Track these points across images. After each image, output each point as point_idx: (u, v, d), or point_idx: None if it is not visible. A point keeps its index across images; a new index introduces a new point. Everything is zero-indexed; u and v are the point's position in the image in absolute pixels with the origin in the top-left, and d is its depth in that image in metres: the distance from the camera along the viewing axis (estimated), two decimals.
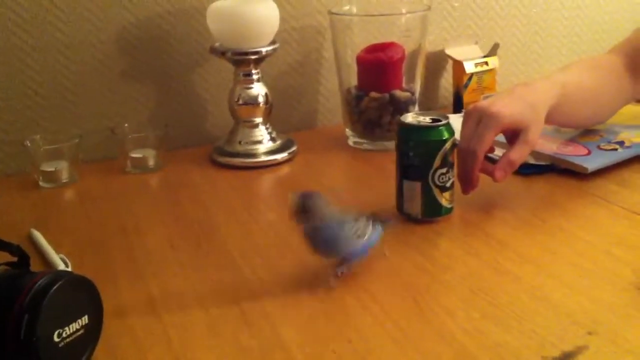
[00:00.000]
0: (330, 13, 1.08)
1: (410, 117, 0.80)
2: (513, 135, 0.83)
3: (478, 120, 0.81)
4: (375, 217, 0.70)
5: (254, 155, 1.03)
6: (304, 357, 0.56)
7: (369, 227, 0.68)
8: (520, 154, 0.82)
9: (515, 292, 0.65)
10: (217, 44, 1.02)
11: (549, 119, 0.86)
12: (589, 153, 0.94)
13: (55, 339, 0.51)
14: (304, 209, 0.65)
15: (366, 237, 0.67)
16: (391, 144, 0.87)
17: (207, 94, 1.13)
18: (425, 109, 1.10)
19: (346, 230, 0.66)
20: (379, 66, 1.06)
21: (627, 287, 0.65)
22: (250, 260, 0.73)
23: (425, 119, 0.79)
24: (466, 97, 1.19)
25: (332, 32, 1.10)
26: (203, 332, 0.60)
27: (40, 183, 0.95)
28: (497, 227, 0.79)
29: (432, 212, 0.79)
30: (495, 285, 0.66)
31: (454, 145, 0.79)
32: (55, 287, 0.51)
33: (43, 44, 1.01)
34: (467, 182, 0.81)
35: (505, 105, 0.81)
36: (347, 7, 1.13)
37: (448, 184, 0.79)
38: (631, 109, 1.13)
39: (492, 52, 1.23)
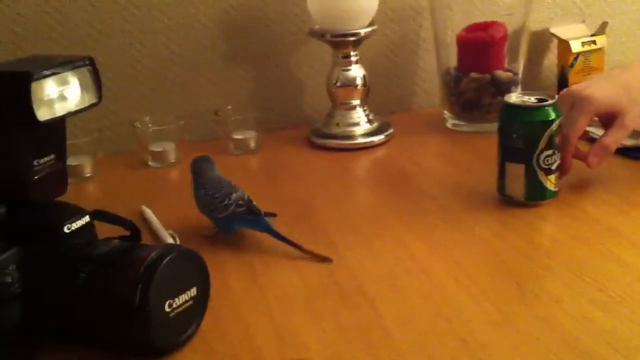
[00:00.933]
0: None
1: (514, 97, 0.78)
2: (608, 119, 0.80)
3: (571, 104, 0.78)
4: (252, 206, 0.74)
5: (350, 137, 1.03)
6: (403, 337, 0.56)
7: (232, 207, 0.73)
8: (615, 139, 0.79)
9: (625, 278, 0.62)
10: (316, 27, 1.03)
11: None
12: None
13: (166, 308, 0.54)
14: (193, 170, 0.77)
15: (223, 215, 0.73)
16: (490, 126, 0.85)
17: (305, 76, 1.14)
18: (528, 90, 1.06)
19: (210, 199, 0.74)
20: (480, 46, 1.04)
21: None
22: (347, 239, 0.74)
23: (531, 99, 0.77)
24: (572, 78, 1.14)
25: (431, 11, 1.08)
26: (303, 308, 0.62)
27: (150, 162, 1.00)
28: (605, 212, 0.76)
29: (536, 195, 0.77)
30: (604, 271, 0.64)
31: (560, 127, 0.76)
32: (167, 259, 0.53)
33: (149, 27, 1.05)
34: (560, 168, 0.78)
35: (599, 88, 0.79)
36: None
37: (554, 167, 0.76)
38: None
39: (600, 30, 1.17)
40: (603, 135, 0.80)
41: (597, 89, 0.79)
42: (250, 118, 1.04)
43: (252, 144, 1.02)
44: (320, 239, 0.74)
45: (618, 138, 0.79)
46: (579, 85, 0.80)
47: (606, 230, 0.72)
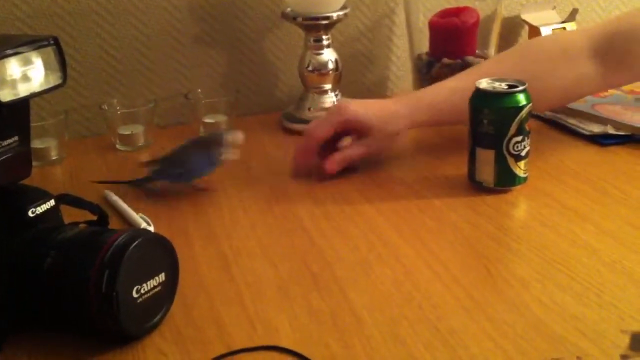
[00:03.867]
0: None
1: (485, 83, 0.78)
2: (361, 133, 0.84)
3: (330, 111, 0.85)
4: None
5: None
6: (374, 322, 0.56)
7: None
8: (354, 152, 0.84)
9: (593, 264, 0.63)
10: (288, 9, 1.02)
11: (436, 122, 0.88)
12: None
13: (134, 294, 0.53)
14: None
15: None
16: None
17: (278, 60, 1.13)
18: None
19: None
20: (452, 31, 1.03)
21: None
22: (319, 224, 0.73)
23: (501, 85, 0.77)
24: None
25: None
26: (274, 294, 0.61)
27: (117, 146, 0.98)
28: (574, 198, 0.76)
29: (506, 181, 0.77)
30: (572, 258, 0.64)
31: (530, 112, 0.76)
32: (134, 244, 0.52)
33: (118, 9, 1.03)
34: (297, 166, 0.85)
35: (362, 105, 0.85)
36: None
37: (523, 153, 0.76)
38: None
39: (571, 17, 1.18)
40: (348, 147, 0.85)
41: (359, 104, 0.84)
42: (221, 102, 1.02)
43: (223, 127, 1.01)
44: (293, 224, 0.74)
45: (357, 152, 0.84)
46: (352, 100, 0.87)
47: (575, 217, 0.72)
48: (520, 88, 0.75)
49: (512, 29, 1.22)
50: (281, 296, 0.61)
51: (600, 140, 0.90)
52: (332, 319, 0.57)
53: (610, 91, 1.04)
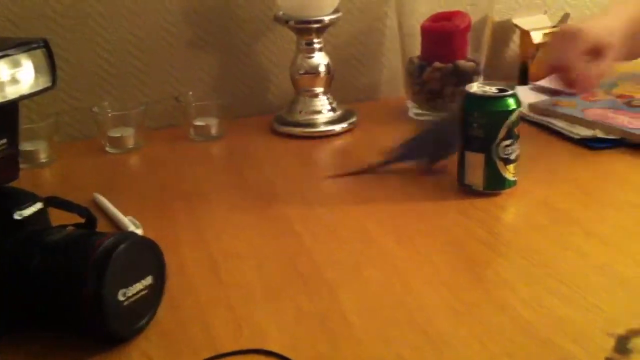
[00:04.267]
0: None
1: (475, 87, 0.78)
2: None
3: (566, 37, 0.87)
4: None
5: (313, 125, 1.03)
6: (363, 325, 0.56)
7: None
8: (606, 67, 0.89)
9: (581, 267, 0.63)
10: (280, 12, 1.02)
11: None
12: None
13: (120, 297, 0.53)
14: None
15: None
16: None
17: (270, 63, 1.13)
18: (490, 80, 1.07)
19: None
20: (443, 35, 1.04)
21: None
22: (309, 227, 0.73)
23: (491, 89, 0.77)
24: (533, 69, 1.15)
25: (396, 0, 1.08)
26: (263, 296, 0.61)
27: (107, 148, 0.98)
28: (563, 202, 0.77)
29: (495, 184, 0.78)
30: (560, 260, 0.64)
31: (520, 117, 0.76)
32: (120, 247, 0.52)
33: (111, 11, 1.03)
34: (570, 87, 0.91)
35: (596, 27, 0.88)
36: None
37: (512, 157, 0.77)
38: None
39: (562, 22, 1.18)
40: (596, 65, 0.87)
41: (589, 26, 0.87)
42: (212, 104, 1.02)
43: (214, 130, 1.01)
44: (283, 227, 0.74)
45: (603, 70, 0.89)
46: (572, 24, 0.92)
47: (564, 220, 0.73)
48: (510, 92, 0.76)
49: (504, 33, 1.22)
50: (269, 299, 0.61)
51: (590, 144, 0.90)
52: (320, 322, 0.57)
53: (600, 95, 1.04)
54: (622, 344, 0.51)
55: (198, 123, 1.01)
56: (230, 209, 0.79)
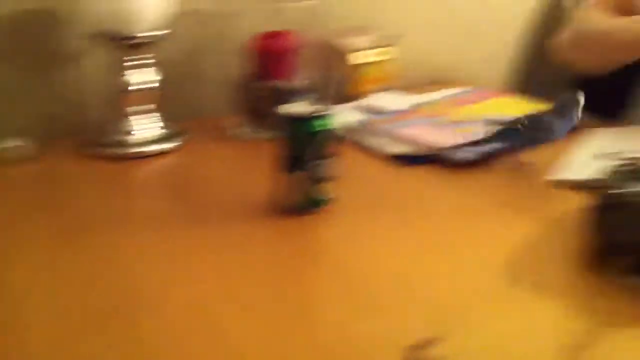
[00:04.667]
0: None
1: (291, 107, 0.80)
2: None
3: None
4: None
5: (138, 144, 1.00)
6: (165, 353, 0.55)
7: None
8: None
9: (389, 283, 0.66)
10: (100, 28, 0.98)
11: None
12: (464, 144, 0.97)
13: None
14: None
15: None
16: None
17: (91, 81, 1.09)
18: (317, 99, 1.11)
19: None
20: (270, 54, 1.06)
21: (493, 275, 0.67)
22: (127, 254, 0.71)
23: (307, 109, 0.79)
24: (359, 87, 1.20)
25: (224, 18, 1.08)
26: (78, 325, 0.58)
27: None
28: (376, 219, 0.80)
29: (309, 204, 0.79)
30: (370, 277, 0.67)
31: (335, 136, 0.79)
32: None
33: None
34: None
35: None
36: None
37: (326, 175, 0.79)
38: (510, 100, 1.19)
39: (390, 41, 1.23)
40: None
41: None
42: (25, 126, 0.96)
43: (27, 152, 0.95)
44: (99, 254, 0.71)
45: None
46: None
47: (377, 237, 0.76)
48: (323, 112, 0.78)
49: (331, 52, 1.25)
50: (84, 330, 0.58)
51: (403, 161, 0.96)
52: (120, 353, 0.55)
53: (417, 113, 1.11)
54: (415, 354, 0.54)
55: (7, 145, 0.94)
56: (40, 236, 0.74)
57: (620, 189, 0.65)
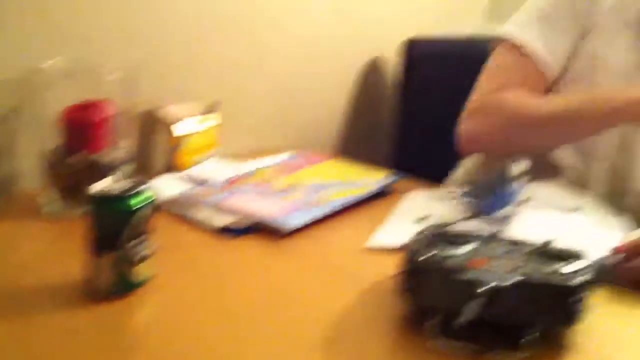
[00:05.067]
0: (33, 68, 1.01)
1: (101, 185, 0.76)
2: None
3: None
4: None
5: None
6: None
7: None
8: None
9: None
10: None
11: None
12: (291, 212, 0.98)
13: None
14: None
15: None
16: None
17: None
18: (138, 172, 1.07)
19: None
20: (83, 126, 1.00)
21: (311, 347, 0.67)
22: None
23: (119, 186, 0.75)
24: (181, 158, 1.18)
25: (34, 87, 1.02)
26: None
27: None
28: (198, 294, 0.77)
29: (125, 286, 0.75)
30: (191, 354, 0.64)
31: (152, 211, 0.76)
32: None
33: None
34: None
35: None
36: (51, 62, 1.06)
37: (144, 254, 0.76)
38: (336, 165, 1.22)
39: (212, 109, 1.23)
40: None
41: None
42: None
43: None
44: None
45: None
46: None
47: (198, 313, 0.73)
48: (139, 189, 0.75)
49: (151, 122, 1.23)
50: None
51: (229, 232, 0.94)
52: None
53: (243, 181, 1.11)
54: None
55: None
56: None
57: (426, 253, 0.68)
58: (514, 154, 0.96)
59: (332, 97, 1.54)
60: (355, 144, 1.60)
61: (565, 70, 1.08)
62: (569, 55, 1.08)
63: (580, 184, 1.10)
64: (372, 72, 1.60)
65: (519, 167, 0.90)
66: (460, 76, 1.16)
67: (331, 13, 1.48)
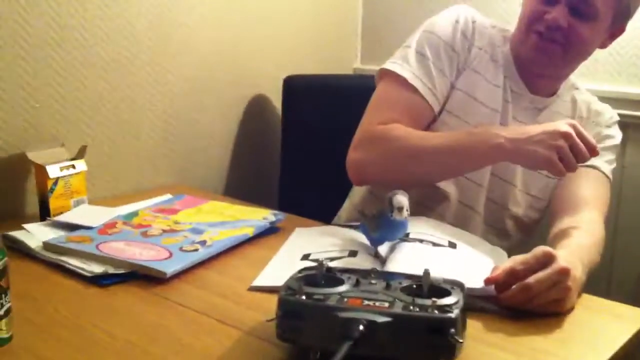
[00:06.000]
0: None
1: None
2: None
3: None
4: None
5: None
6: None
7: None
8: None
9: None
10: None
11: None
12: (170, 256, 0.95)
13: None
14: None
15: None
16: None
17: None
18: (6, 218, 1.00)
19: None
20: None
21: None
22: None
23: None
24: (53, 203, 1.12)
25: None
26: None
27: None
28: (60, 352, 0.72)
29: None
30: None
31: (5, 269, 0.71)
32: None
33: None
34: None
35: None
36: None
37: (1, 312, 0.70)
38: (219, 205, 1.20)
39: (80, 154, 1.18)
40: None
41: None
42: None
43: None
44: None
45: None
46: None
47: None
48: None
49: (19, 167, 1.16)
50: None
51: (101, 281, 0.89)
52: None
53: (119, 226, 1.06)
54: None
55: None
56: None
57: (303, 294, 0.67)
58: (399, 185, 0.99)
59: (217, 135, 1.52)
60: (242, 182, 1.59)
61: (443, 105, 1.14)
62: (446, 92, 1.14)
63: (462, 213, 1.14)
64: (256, 110, 1.60)
65: (404, 199, 0.92)
66: (336, 111, 1.18)
67: (214, 54, 1.47)
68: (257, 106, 1.60)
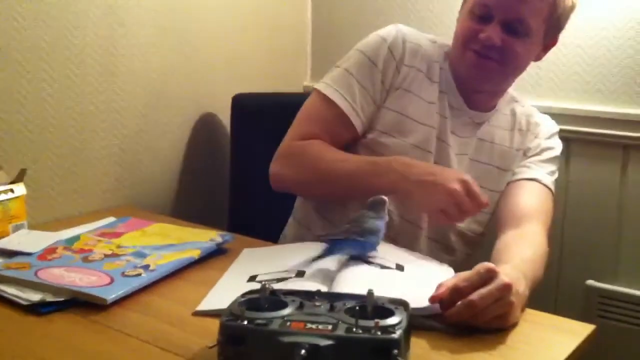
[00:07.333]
0: None
1: None
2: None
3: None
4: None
5: None
6: None
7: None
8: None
9: None
10: None
11: None
12: (112, 282, 0.92)
13: None
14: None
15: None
16: None
17: None
18: None
19: None
20: None
21: None
22: None
23: None
24: None
25: None
26: None
27: None
28: None
29: None
30: None
31: None
32: None
33: None
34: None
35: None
36: None
37: None
38: (164, 227, 1.18)
39: (19, 178, 1.14)
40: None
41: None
42: None
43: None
44: None
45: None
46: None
47: None
48: None
49: None
50: None
51: (40, 309, 0.86)
52: None
53: (59, 251, 1.03)
54: None
55: None
56: None
57: (246, 318, 0.66)
58: (316, 198, 1.02)
59: (165, 156, 1.49)
60: (191, 202, 1.56)
61: (374, 123, 1.16)
62: (370, 109, 1.16)
63: (405, 230, 1.14)
64: (205, 129, 1.58)
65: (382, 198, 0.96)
66: (285, 129, 1.18)
67: (162, 74, 1.45)
68: (206, 125, 1.58)
